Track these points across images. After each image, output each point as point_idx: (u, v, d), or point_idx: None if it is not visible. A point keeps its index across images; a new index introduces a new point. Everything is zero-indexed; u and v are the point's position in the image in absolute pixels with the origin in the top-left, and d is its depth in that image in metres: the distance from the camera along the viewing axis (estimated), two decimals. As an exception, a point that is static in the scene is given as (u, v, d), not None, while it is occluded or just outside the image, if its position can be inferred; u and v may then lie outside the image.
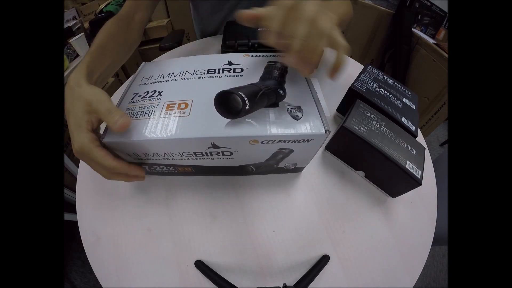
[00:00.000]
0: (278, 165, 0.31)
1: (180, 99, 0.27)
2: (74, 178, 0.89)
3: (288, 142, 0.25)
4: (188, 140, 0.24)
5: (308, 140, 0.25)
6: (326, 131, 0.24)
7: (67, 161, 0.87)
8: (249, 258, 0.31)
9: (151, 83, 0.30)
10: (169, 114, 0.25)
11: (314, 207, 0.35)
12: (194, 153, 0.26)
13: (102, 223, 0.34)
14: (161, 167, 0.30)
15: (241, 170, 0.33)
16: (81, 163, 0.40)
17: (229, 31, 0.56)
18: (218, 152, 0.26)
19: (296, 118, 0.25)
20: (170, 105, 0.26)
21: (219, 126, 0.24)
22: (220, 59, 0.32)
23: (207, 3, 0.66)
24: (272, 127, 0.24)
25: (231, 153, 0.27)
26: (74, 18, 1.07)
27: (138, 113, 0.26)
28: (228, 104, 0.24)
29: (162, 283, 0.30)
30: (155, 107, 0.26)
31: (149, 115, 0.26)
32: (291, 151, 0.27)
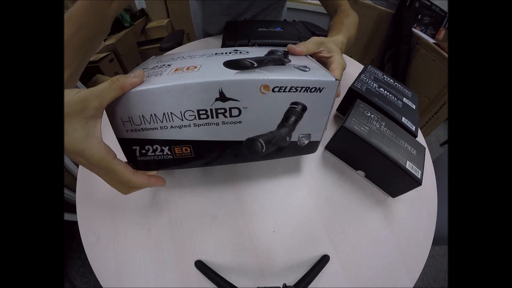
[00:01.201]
0: (291, 136, 0.30)
1: (189, 65, 0.27)
2: (74, 178, 0.89)
3: (300, 92, 0.26)
4: (195, 87, 0.24)
5: (320, 90, 0.26)
6: (336, 79, 0.25)
7: (67, 161, 0.87)
8: (249, 258, 0.31)
9: (160, 61, 0.31)
10: (177, 72, 0.25)
11: (314, 207, 0.35)
12: (198, 112, 0.25)
13: (102, 223, 0.34)
14: (155, 147, 0.28)
15: (249, 150, 0.31)
16: (81, 163, 0.40)
17: (229, 31, 0.56)
18: (225, 110, 0.26)
19: (304, 70, 0.27)
20: (179, 68, 0.26)
21: (228, 74, 0.25)
22: (226, 49, 0.33)
23: (216, 3, 0.65)
24: (283, 74, 0.25)
25: (239, 112, 0.26)
26: (74, 18, 1.07)
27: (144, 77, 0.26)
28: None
29: (162, 283, 0.30)
30: (163, 71, 0.26)
31: (155, 76, 0.25)
32: (304, 108, 0.27)
